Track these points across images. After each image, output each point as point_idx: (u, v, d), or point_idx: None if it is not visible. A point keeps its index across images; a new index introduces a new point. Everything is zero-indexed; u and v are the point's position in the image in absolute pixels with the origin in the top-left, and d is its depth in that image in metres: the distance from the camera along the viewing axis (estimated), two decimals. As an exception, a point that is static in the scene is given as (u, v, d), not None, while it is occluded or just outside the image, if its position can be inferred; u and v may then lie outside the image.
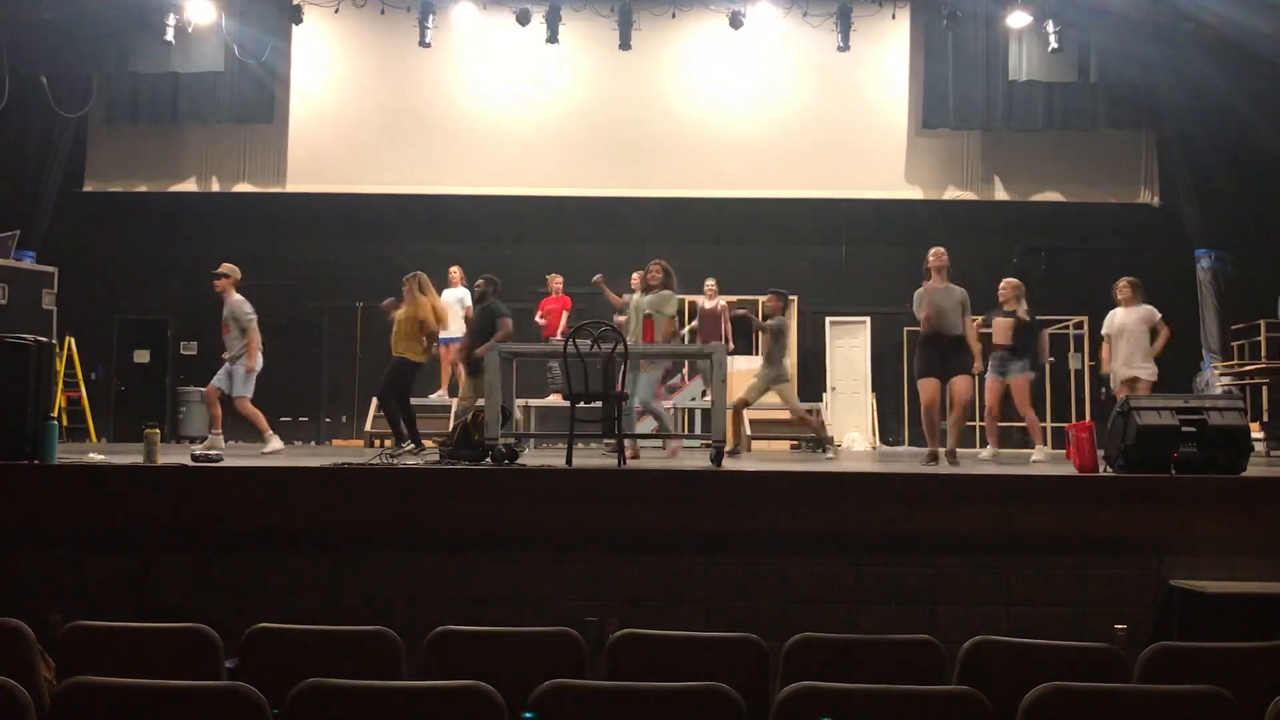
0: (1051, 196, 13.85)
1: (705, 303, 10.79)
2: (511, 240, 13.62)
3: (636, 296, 8.93)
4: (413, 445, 7.98)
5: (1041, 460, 8.18)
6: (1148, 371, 8.34)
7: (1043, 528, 5.32)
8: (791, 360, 10.22)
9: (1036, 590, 5.28)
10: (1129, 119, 13.35)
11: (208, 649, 3.42)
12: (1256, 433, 9.89)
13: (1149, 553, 5.29)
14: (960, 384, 7.58)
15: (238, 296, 8.50)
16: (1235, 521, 5.32)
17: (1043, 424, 13.22)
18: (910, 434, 13.21)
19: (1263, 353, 11.83)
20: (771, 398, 9.22)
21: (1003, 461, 8.19)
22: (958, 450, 7.65)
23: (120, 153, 13.75)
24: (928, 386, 7.66)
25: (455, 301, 10.83)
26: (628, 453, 8.22)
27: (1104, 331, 8.64)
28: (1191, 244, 12.86)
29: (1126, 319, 8.48)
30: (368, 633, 3.51)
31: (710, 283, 10.93)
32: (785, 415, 12.80)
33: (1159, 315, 8.44)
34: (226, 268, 8.58)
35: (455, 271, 11.35)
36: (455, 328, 10.39)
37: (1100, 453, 6.15)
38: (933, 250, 7.82)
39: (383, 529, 5.39)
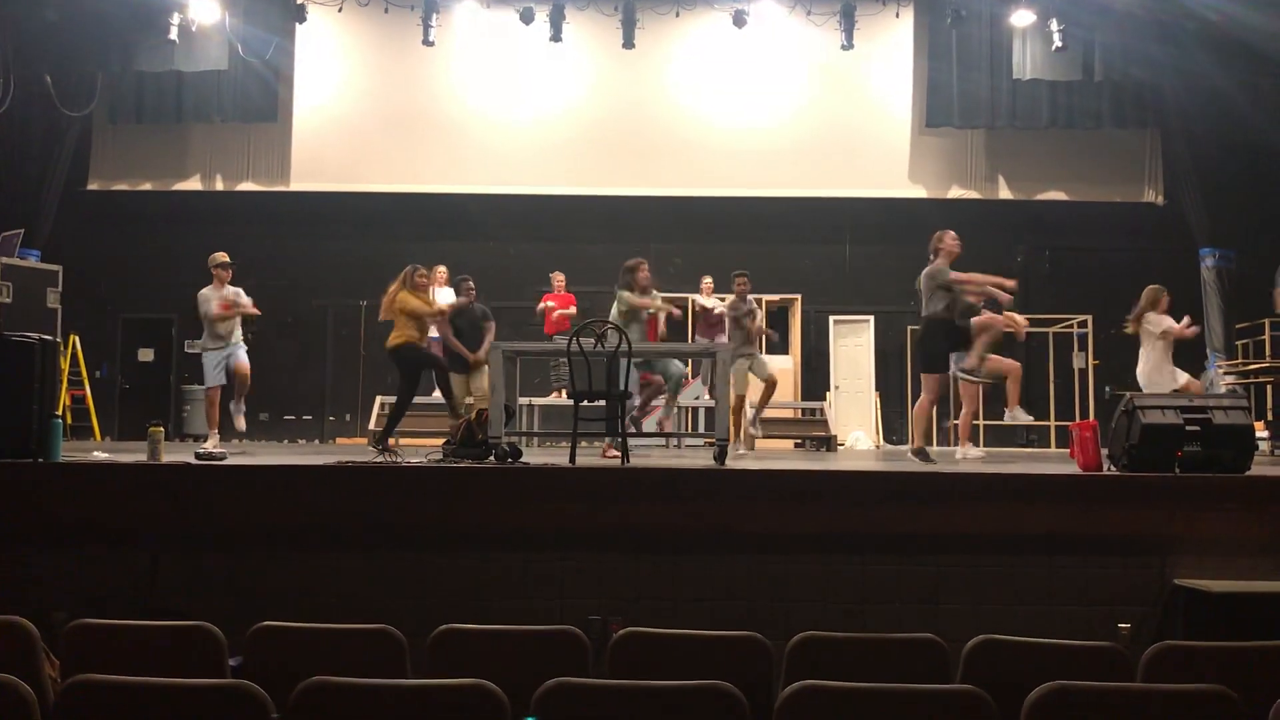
0: (1055, 195, 13.83)
1: (704, 301, 10.77)
2: (515, 239, 13.63)
3: (658, 299, 8.66)
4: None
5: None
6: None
7: (1046, 527, 5.31)
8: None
9: (1040, 589, 5.27)
10: (1133, 117, 13.32)
11: (211, 647, 3.42)
12: (1261, 431, 9.86)
13: (1153, 552, 5.28)
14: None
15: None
16: (1240, 520, 5.30)
17: (1045, 422, 13.36)
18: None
19: (1267, 351, 11.81)
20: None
21: (1001, 459, 8.18)
22: (926, 448, 7.52)
23: (124, 151, 13.76)
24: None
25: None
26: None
27: None
28: (1196, 243, 12.82)
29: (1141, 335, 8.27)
30: (371, 631, 3.51)
31: (707, 281, 10.90)
32: (789, 414, 12.84)
33: (1158, 330, 8.14)
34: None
35: (441, 271, 11.02)
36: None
37: (1104, 452, 6.14)
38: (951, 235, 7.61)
39: (386, 527, 5.39)
